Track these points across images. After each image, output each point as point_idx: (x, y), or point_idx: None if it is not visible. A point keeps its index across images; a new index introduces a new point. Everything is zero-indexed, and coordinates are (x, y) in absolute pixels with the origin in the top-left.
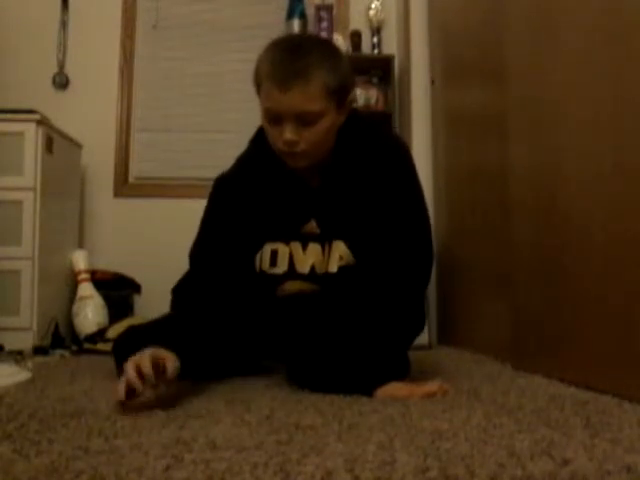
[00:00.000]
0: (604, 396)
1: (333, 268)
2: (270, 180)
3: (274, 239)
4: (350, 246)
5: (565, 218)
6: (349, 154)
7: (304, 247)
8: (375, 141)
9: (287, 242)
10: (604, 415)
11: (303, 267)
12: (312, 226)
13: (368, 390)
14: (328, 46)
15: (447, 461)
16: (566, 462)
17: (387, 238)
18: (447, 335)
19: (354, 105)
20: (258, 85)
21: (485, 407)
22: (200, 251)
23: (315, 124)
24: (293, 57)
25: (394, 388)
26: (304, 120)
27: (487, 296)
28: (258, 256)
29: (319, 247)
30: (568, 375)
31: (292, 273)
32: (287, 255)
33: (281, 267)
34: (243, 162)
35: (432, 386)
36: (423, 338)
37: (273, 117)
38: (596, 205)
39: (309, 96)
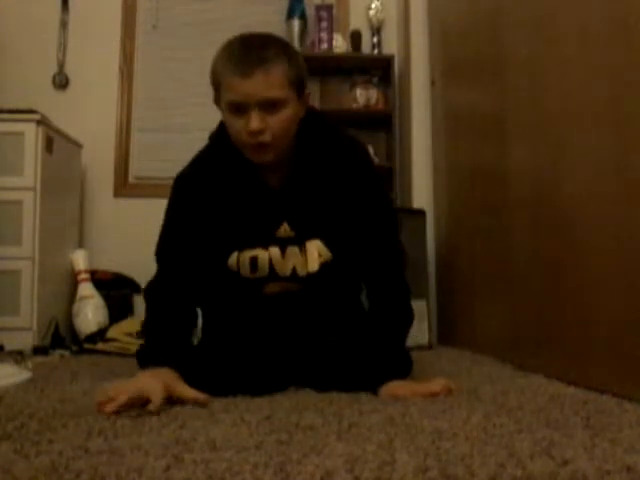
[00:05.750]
0: (604, 396)
1: (314, 267)
2: (232, 181)
3: (251, 245)
4: (326, 243)
5: (565, 218)
6: (310, 152)
7: (283, 251)
8: (335, 139)
9: (266, 247)
10: (604, 415)
11: (284, 270)
12: (285, 229)
13: (371, 388)
14: (283, 42)
15: (447, 461)
16: (566, 462)
17: (363, 232)
18: (447, 335)
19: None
20: (217, 84)
21: (485, 407)
22: (166, 250)
23: (279, 112)
24: (252, 49)
25: (396, 387)
26: (268, 107)
27: (487, 296)
28: (235, 262)
29: (297, 249)
30: (568, 375)
31: (274, 276)
32: (267, 260)
33: (261, 273)
34: (203, 160)
35: (435, 386)
36: (423, 338)
37: (237, 108)
38: (596, 205)
39: (271, 82)
